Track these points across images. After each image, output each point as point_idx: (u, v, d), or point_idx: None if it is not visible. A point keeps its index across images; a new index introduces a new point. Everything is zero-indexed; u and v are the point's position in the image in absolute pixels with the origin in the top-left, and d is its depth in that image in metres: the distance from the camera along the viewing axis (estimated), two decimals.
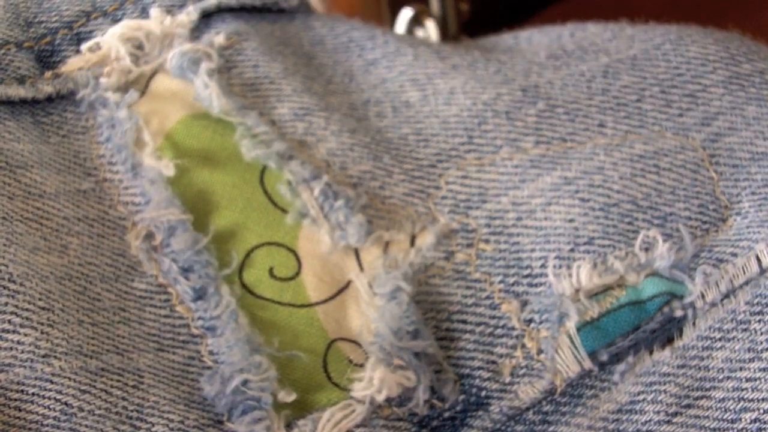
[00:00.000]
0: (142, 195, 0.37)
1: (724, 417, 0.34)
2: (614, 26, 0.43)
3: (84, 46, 0.40)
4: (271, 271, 0.37)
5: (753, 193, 0.38)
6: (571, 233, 0.37)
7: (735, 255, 0.36)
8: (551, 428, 0.34)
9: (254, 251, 0.37)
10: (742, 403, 0.34)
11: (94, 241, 0.36)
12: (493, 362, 0.35)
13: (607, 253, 0.36)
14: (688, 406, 0.34)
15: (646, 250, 0.36)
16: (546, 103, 0.40)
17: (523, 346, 0.35)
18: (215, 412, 0.34)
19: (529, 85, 0.41)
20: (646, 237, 0.36)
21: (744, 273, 0.35)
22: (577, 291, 0.36)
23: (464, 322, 0.36)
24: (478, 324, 0.36)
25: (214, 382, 0.34)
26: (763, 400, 0.33)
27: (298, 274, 0.37)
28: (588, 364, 0.35)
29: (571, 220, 0.37)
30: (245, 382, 0.34)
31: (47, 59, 0.40)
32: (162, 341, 0.35)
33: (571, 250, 0.36)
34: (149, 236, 0.36)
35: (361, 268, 0.37)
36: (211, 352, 0.35)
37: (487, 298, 0.36)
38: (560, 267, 0.36)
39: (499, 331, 0.36)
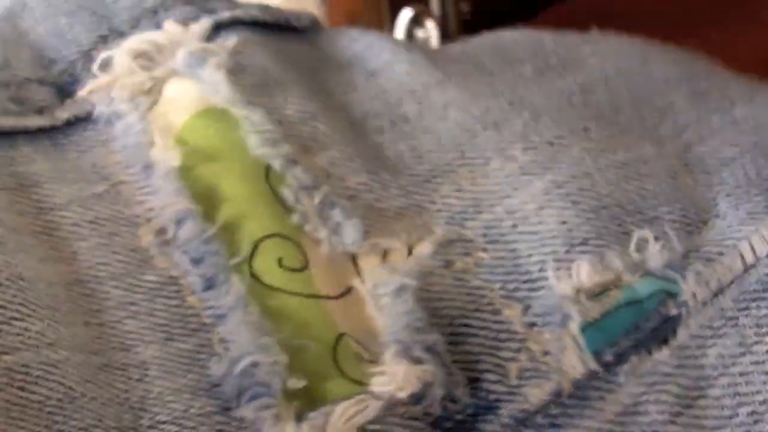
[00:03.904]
0: (155, 192, 0.38)
1: (722, 414, 0.34)
2: (590, 40, 0.46)
3: (95, 65, 0.42)
4: (280, 261, 0.37)
5: (728, 195, 0.39)
6: (566, 235, 0.37)
7: (722, 254, 0.37)
8: (560, 431, 0.34)
9: (263, 241, 0.37)
10: (737, 398, 0.34)
11: (105, 241, 0.37)
12: (500, 365, 0.35)
13: (603, 251, 0.37)
14: (689, 406, 0.34)
15: (639, 250, 0.37)
16: (531, 112, 0.41)
17: (528, 349, 0.36)
18: (223, 399, 0.34)
19: (515, 97, 0.42)
20: (639, 236, 0.37)
21: (731, 271, 0.36)
22: (578, 292, 0.36)
23: (468, 326, 0.36)
24: (482, 328, 0.36)
25: (222, 363, 0.34)
26: (757, 392, 0.34)
27: (306, 267, 0.37)
28: (593, 364, 0.35)
29: (564, 222, 0.37)
30: (254, 365, 0.34)
31: (67, 89, 0.42)
32: (171, 331, 0.35)
33: (567, 252, 0.37)
34: (161, 231, 0.37)
35: (361, 275, 0.37)
36: (221, 340, 0.35)
37: (489, 304, 0.37)
38: (559, 269, 0.36)
39: (503, 336, 0.36)
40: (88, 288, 0.35)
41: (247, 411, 0.33)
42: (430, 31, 0.56)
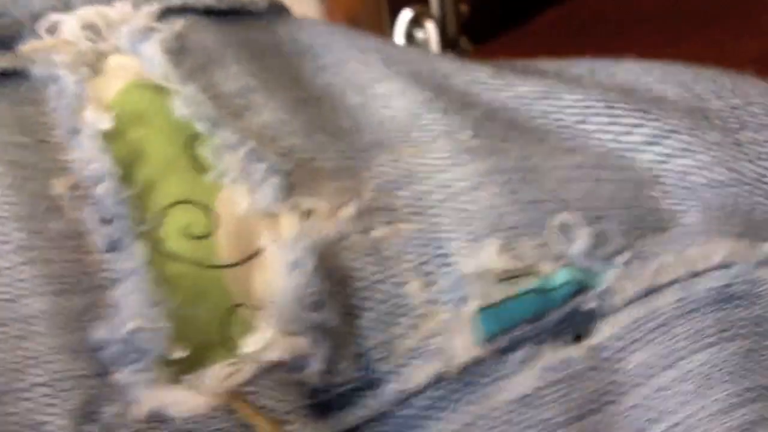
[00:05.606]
0: (77, 150, 0.38)
1: (631, 427, 0.33)
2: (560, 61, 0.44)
3: (41, 25, 0.42)
4: (185, 229, 0.37)
5: (702, 212, 0.36)
6: (492, 219, 0.36)
7: (658, 255, 0.35)
8: (441, 414, 0.33)
9: (172, 208, 0.37)
10: (650, 412, 0.32)
11: (16, 183, 0.37)
12: (388, 343, 0.35)
13: (520, 240, 0.35)
14: (595, 411, 0.33)
15: (564, 241, 0.35)
16: (485, 109, 0.40)
17: (421, 327, 0.35)
18: (102, 363, 0.34)
19: (469, 93, 0.41)
20: (565, 221, 0.35)
21: (669, 273, 0.34)
22: (483, 273, 0.35)
23: (367, 299, 0.35)
24: (381, 302, 0.35)
25: (105, 328, 0.34)
26: (671, 413, 0.32)
27: (211, 234, 0.37)
28: (484, 349, 0.34)
29: (494, 207, 0.36)
30: (136, 331, 0.33)
31: (8, 43, 0.42)
32: (64, 285, 0.35)
33: (488, 236, 0.36)
34: (76, 186, 0.37)
35: (276, 236, 0.37)
36: (110, 304, 0.35)
37: (394, 276, 0.36)
38: (469, 249, 0.35)
39: (400, 311, 0.35)
40: None
41: (122, 374, 0.33)
42: (430, 32, 0.56)
